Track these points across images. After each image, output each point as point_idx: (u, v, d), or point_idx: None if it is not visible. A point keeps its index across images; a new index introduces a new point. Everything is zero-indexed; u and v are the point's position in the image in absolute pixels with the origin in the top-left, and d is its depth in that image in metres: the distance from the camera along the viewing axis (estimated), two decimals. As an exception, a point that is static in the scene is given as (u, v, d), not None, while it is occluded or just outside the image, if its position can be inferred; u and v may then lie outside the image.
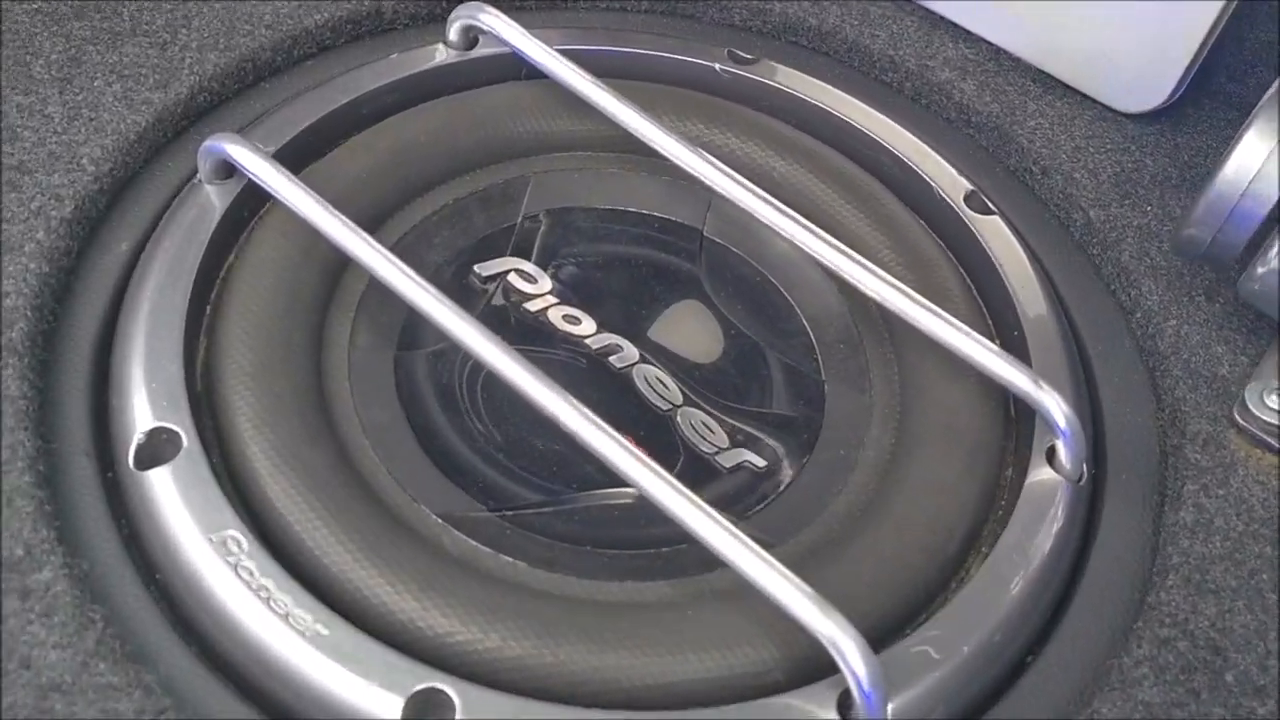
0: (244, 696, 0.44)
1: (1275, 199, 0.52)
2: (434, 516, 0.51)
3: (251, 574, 0.45)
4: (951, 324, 0.54)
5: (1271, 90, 0.52)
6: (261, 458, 0.49)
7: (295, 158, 0.60)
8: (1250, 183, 0.52)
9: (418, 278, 0.52)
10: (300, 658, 0.44)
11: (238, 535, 0.46)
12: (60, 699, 0.42)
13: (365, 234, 0.53)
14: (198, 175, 0.58)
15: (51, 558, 0.45)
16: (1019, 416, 0.57)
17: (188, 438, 0.49)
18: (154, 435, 0.49)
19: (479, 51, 0.66)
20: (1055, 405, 0.53)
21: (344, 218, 0.54)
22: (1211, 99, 0.69)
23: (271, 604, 0.45)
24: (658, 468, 0.47)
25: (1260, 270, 0.54)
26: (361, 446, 0.52)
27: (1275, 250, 0.53)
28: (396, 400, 0.55)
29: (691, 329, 0.62)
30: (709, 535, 0.46)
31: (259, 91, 0.64)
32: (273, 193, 0.55)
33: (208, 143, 0.56)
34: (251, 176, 0.55)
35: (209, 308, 0.55)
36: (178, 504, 0.47)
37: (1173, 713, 0.47)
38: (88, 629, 0.44)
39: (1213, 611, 0.50)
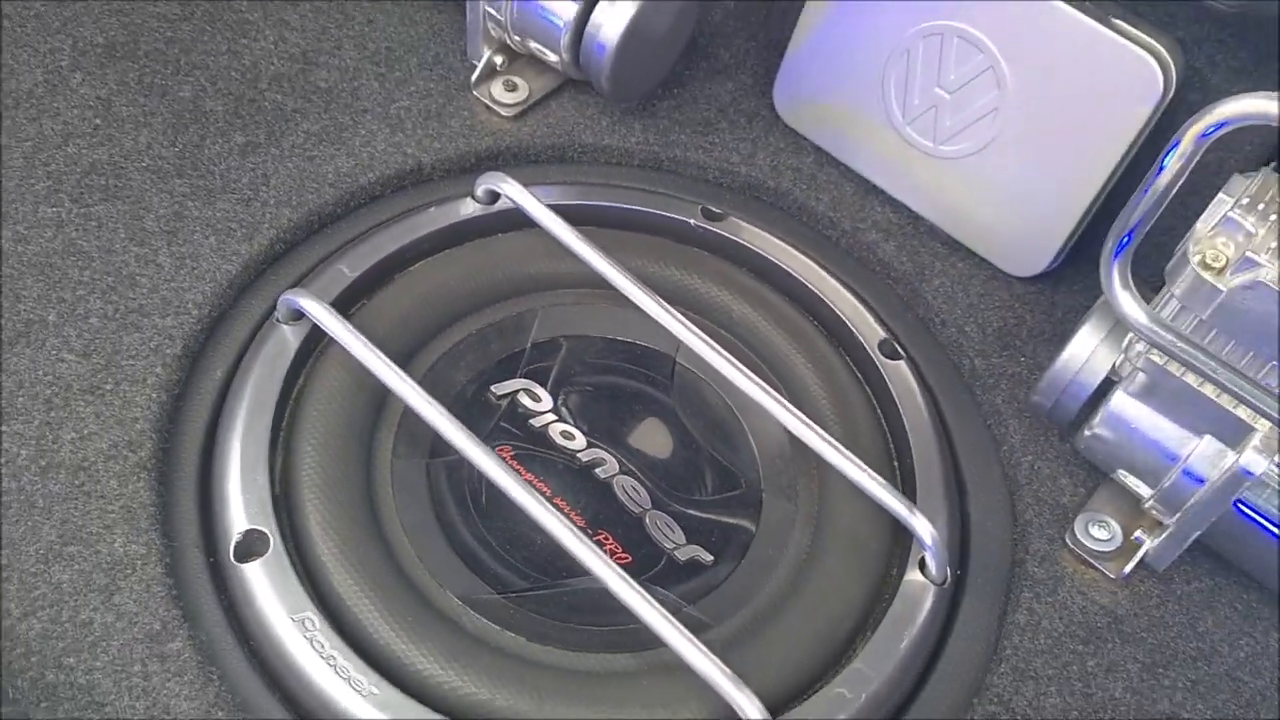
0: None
1: (1097, 384, 0.70)
2: (456, 600, 0.68)
3: (323, 646, 0.62)
4: (851, 460, 0.71)
5: (1102, 299, 0.69)
6: (328, 555, 0.66)
7: (352, 295, 0.77)
8: (1079, 371, 0.70)
9: (427, 397, 0.68)
10: (358, 710, 0.61)
11: (312, 616, 0.63)
12: (193, 738, 0.59)
13: (399, 370, 0.69)
14: (275, 315, 0.74)
15: (180, 631, 0.62)
16: (902, 530, 0.73)
17: (274, 538, 0.65)
18: (248, 535, 0.66)
19: (499, 206, 0.82)
20: (924, 529, 0.70)
21: (384, 356, 0.69)
22: (1088, 263, 0.86)
23: (337, 669, 0.62)
24: (615, 565, 0.64)
25: (1087, 434, 0.71)
26: (402, 543, 0.69)
27: (1096, 421, 0.70)
28: (429, 503, 0.72)
29: (662, 441, 0.78)
30: (653, 623, 0.63)
31: (322, 236, 0.80)
32: (334, 337, 0.71)
33: (285, 296, 0.72)
34: (319, 323, 0.71)
35: (283, 426, 0.71)
36: (268, 591, 0.64)
37: (991, 770, 0.65)
38: (208, 685, 0.61)
39: (1030, 693, 0.68)
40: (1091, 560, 0.73)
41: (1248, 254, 0.61)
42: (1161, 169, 0.56)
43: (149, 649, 0.61)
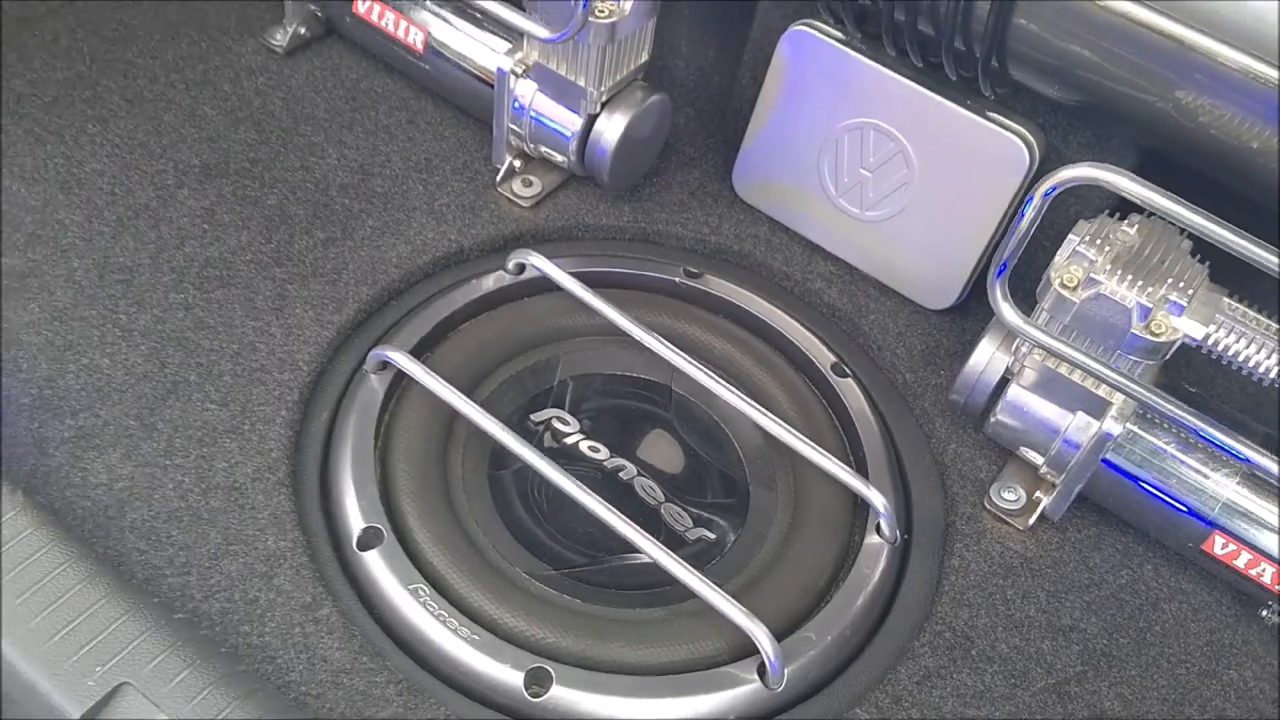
0: (434, 675, 0.81)
1: (996, 382, 0.93)
2: (523, 573, 0.88)
3: (434, 607, 0.82)
4: (819, 451, 0.93)
5: (995, 319, 0.92)
6: (426, 543, 0.86)
7: (418, 351, 0.97)
8: (982, 372, 0.93)
9: (501, 425, 0.89)
10: (464, 652, 0.81)
11: (423, 587, 0.83)
12: (348, 677, 0.78)
13: (468, 399, 0.90)
14: (365, 367, 0.95)
15: (325, 602, 0.82)
16: (861, 504, 0.95)
17: (386, 532, 0.85)
18: (366, 531, 0.85)
19: (525, 276, 1.04)
20: (878, 499, 0.91)
21: (456, 390, 0.91)
22: (986, 297, 1.10)
23: (446, 623, 0.82)
24: (654, 540, 0.85)
25: (992, 421, 0.94)
26: (477, 533, 0.89)
27: (998, 410, 0.93)
28: (493, 504, 0.92)
29: (666, 450, 1.00)
30: (685, 578, 0.84)
31: (390, 307, 1.01)
32: (416, 379, 0.92)
33: (375, 351, 0.93)
34: (404, 370, 0.92)
35: (378, 450, 0.92)
36: (386, 571, 0.84)
37: (940, 672, 0.86)
38: (352, 640, 0.80)
39: (965, 616, 0.90)
40: (1005, 517, 0.96)
41: (1091, 276, 0.86)
42: (1022, 216, 0.80)
43: (304, 616, 0.81)
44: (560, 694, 0.80)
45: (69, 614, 0.70)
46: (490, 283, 1.04)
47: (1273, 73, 0.77)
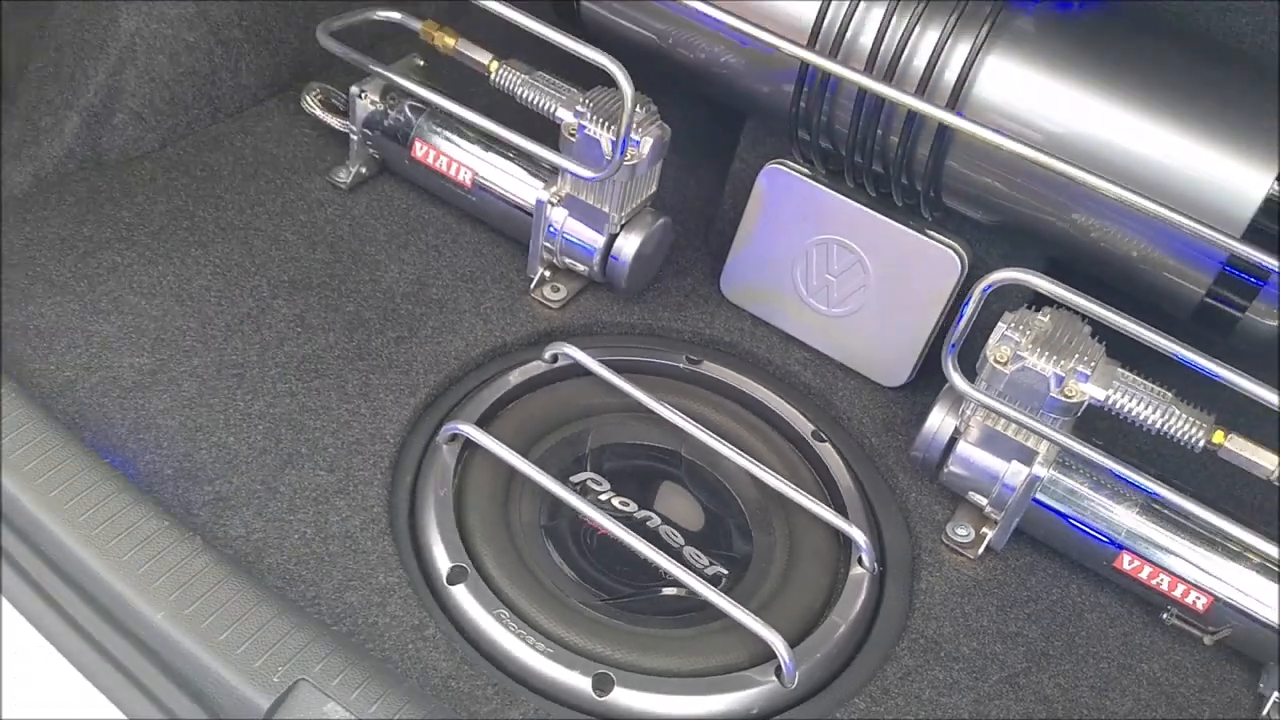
0: (518, 681, 1.01)
1: (948, 439, 1.18)
2: (579, 603, 1.08)
3: (514, 628, 1.02)
4: (809, 498, 1.16)
5: (946, 387, 1.17)
6: (501, 578, 1.06)
7: (478, 424, 1.19)
8: (936, 432, 1.18)
9: (561, 484, 1.11)
10: (541, 663, 1.01)
11: (504, 611, 1.03)
12: (454, 681, 0.98)
13: (535, 466, 1.12)
14: (437, 439, 1.16)
15: (430, 624, 1.01)
16: (844, 543, 1.18)
17: (470, 569, 1.06)
18: (454, 569, 1.06)
19: (559, 364, 1.26)
20: (859, 536, 1.15)
21: (524, 458, 1.12)
22: (932, 376, 1.35)
23: (525, 640, 1.02)
24: (691, 572, 1.06)
25: (944, 472, 1.19)
26: (539, 570, 1.10)
27: (950, 462, 1.18)
28: (549, 548, 1.13)
29: (683, 503, 1.22)
30: (717, 600, 1.05)
31: (451, 391, 1.23)
32: (484, 445, 1.13)
33: (448, 425, 1.15)
34: (477, 441, 1.14)
35: (453, 506, 1.12)
36: (473, 601, 1.04)
37: (917, 670, 1.08)
38: (454, 653, 1.00)
39: (934, 627, 1.12)
40: (959, 550, 1.20)
41: (1017, 353, 1.11)
42: (964, 313, 1.06)
43: (415, 635, 1.00)
44: (621, 694, 1.01)
45: (250, 627, 0.89)
46: (530, 371, 1.26)
47: (1141, 201, 1.04)
